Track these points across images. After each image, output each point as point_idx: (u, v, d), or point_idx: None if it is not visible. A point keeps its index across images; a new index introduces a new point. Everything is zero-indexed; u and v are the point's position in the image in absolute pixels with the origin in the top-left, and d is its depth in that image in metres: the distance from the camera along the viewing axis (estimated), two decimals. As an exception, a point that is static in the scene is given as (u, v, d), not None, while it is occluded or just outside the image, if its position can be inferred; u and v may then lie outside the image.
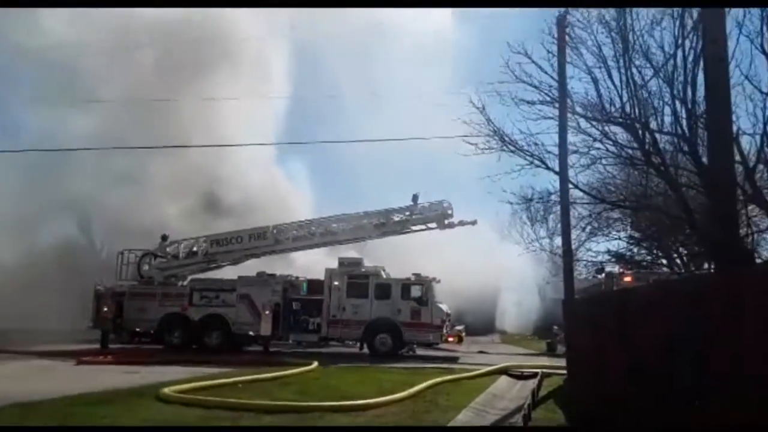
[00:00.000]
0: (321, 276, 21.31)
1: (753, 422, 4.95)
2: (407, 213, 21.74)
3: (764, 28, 8.84)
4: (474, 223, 21.70)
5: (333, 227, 22.22)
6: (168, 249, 22.67)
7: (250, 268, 22.46)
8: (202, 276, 22.52)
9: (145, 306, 21.16)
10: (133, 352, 19.49)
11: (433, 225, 21.70)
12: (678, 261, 21.63)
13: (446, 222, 21.46)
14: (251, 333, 20.73)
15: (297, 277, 22.15)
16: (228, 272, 22.97)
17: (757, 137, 9.67)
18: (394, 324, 20.11)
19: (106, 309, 20.95)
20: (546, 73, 10.92)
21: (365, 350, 20.35)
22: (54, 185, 30.06)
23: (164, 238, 22.75)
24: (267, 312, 20.32)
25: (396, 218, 21.86)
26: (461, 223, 21.53)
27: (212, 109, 30.38)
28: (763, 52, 8.99)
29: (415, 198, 21.51)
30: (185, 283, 22.30)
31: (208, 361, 16.29)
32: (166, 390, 10.07)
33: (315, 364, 15.56)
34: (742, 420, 5.20)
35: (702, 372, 5.92)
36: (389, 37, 46.89)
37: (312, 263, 23.99)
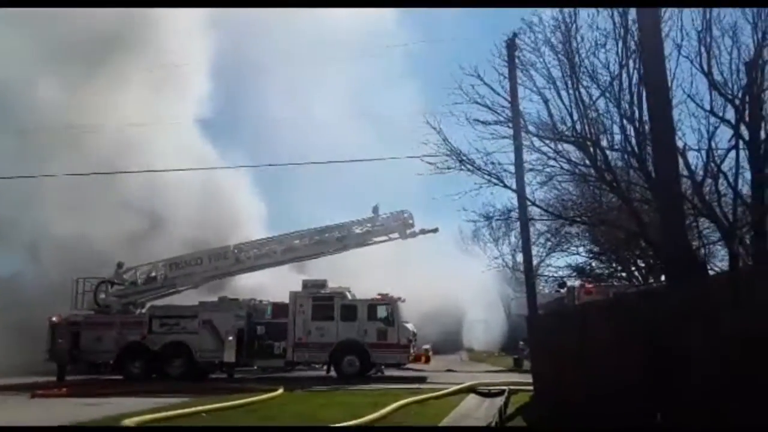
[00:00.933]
0: (285, 299, 21.10)
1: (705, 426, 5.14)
2: (368, 225, 21.82)
3: (702, 48, 9.34)
4: (436, 230, 21.81)
5: (294, 243, 22.07)
6: (125, 276, 22.12)
7: (212, 293, 22.13)
8: (161, 303, 21.99)
9: (102, 336, 20.52)
10: (91, 383, 18.85)
11: (395, 235, 21.80)
12: (636, 273, 22.21)
13: (408, 231, 21.57)
14: (215, 360, 20.31)
15: (261, 301, 21.86)
16: (189, 298, 22.52)
17: (703, 152, 10.15)
18: (361, 345, 19.99)
19: (61, 340, 20.26)
20: (498, 94, 11.26)
21: (332, 373, 20.15)
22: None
23: (120, 265, 22.20)
24: (230, 338, 19.96)
25: (357, 230, 21.89)
26: (423, 232, 21.68)
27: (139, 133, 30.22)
28: (702, 71, 9.47)
29: (375, 209, 21.62)
30: (144, 310, 21.73)
31: (171, 391, 15.86)
32: (127, 422, 9.79)
33: (281, 389, 15.34)
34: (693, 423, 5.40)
35: (656, 379, 6.14)
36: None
37: (278, 286, 23.68)
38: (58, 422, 10.26)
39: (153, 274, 22.22)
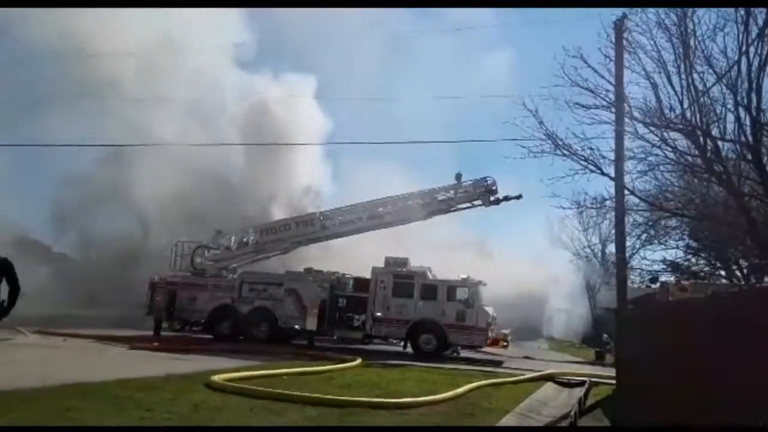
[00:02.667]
0: (368, 275, 21.47)
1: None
2: (452, 191, 21.70)
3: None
4: (519, 197, 21.22)
5: (379, 210, 22.29)
6: (221, 241, 23.35)
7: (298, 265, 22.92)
8: (251, 270, 23.05)
9: (196, 297, 21.88)
10: (183, 340, 20.16)
11: (478, 202, 21.69)
12: (738, 273, 20.71)
13: (491, 198, 21.36)
14: (297, 327, 21.09)
15: (344, 275, 22.37)
16: (277, 267, 23.49)
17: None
18: (439, 325, 20.06)
19: (159, 298, 21.76)
20: (602, 77, 10.69)
21: (409, 349, 20.38)
22: (114, 178, 31.54)
23: (218, 232, 23.48)
24: (313, 308, 20.64)
25: (441, 197, 21.84)
26: (506, 199, 21.38)
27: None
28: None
29: (458, 176, 21.56)
30: (235, 276, 22.89)
31: (255, 352, 16.67)
32: (215, 378, 10.37)
33: (359, 360, 15.70)
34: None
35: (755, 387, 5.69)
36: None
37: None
38: (153, 373, 11.04)
39: (245, 239, 23.31)
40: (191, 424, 7.40)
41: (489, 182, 21.48)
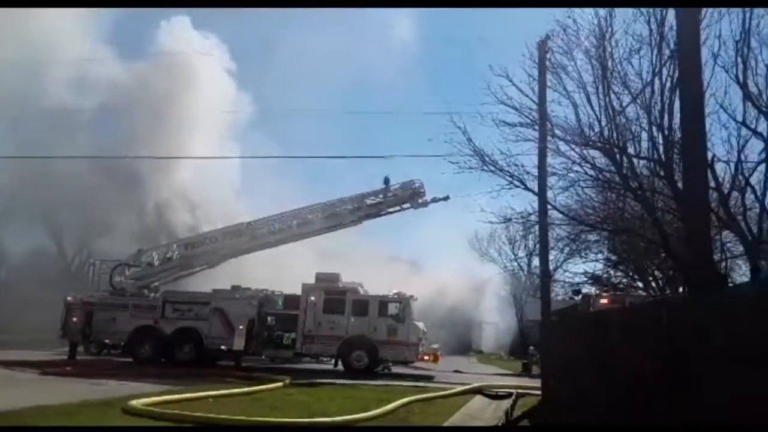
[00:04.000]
0: (298, 291, 21.12)
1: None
2: (380, 195, 21.85)
3: (738, 59, 9.10)
4: (447, 198, 21.45)
5: (308, 217, 22.08)
6: (142, 258, 22.31)
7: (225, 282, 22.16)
8: (174, 289, 22.13)
9: (115, 317, 20.71)
10: (101, 363, 19.03)
11: (407, 205, 21.91)
12: (653, 284, 21.88)
13: (419, 201, 21.64)
14: (224, 347, 20.39)
15: (273, 292, 21.90)
16: (202, 286, 22.65)
17: (732, 164, 9.90)
18: (370, 341, 19.94)
19: (75, 319, 20.50)
20: (526, 96, 11.09)
21: (340, 367, 20.13)
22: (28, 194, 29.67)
23: (139, 251, 22.47)
24: (241, 326, 20.03)
25: (370, 201, 21.95)
26: (434, 200, 21.69)
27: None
28: (737, 82, 9.23)
29: (386, 180, 21.68)
30: (157, 295, 21.90)
31: (179, 376, 15.94)
32: (134, 402, 9.82)
33: (288, 380, 15.35)
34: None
35: (672, 390, 5.97)
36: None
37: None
38: (68, 400, 10.32)
39: (169, 254, 22.37)
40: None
41: (416, 185, 21.76)
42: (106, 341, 21.15)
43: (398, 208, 22.19)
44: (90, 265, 22.30)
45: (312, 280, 21.07)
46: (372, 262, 30.48)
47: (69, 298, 21.25)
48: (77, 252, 31.23)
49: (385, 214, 22.49)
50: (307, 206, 22.61)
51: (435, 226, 39.91)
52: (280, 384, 14.73)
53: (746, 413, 4.62)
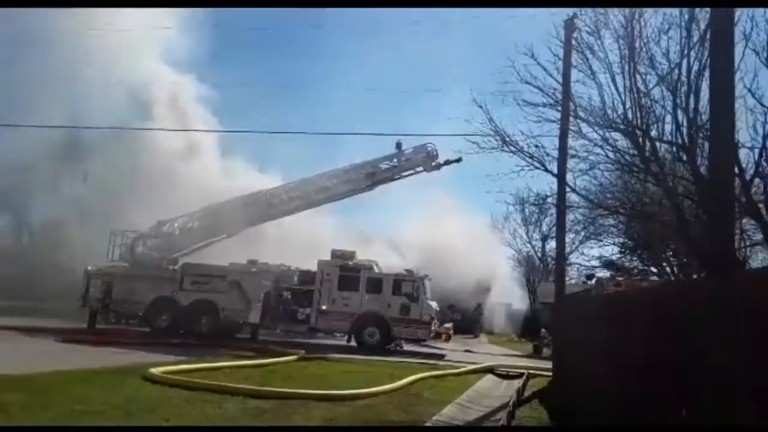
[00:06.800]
0: (314, 267, 21.29)
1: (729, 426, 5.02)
2: (394, 160, 21.95)
3: (770, 42, 8.87)
4: (459, 160, 20.64)
5: (325, 183, 22.19)
6: (163, 229, 22.54)
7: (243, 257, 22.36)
8: (193, 261, 22.43)
9: (134, 288, 21.10)
10: (120, 333, 19.44)
11: (420, 168, 22.05)
12: (668, 270, 21.70)
13: (433, 164, 21.77)
14: (240, 320, 20.71)
15: (289, 267, 22.11)
16: (220, 260, 22.86)
17: (756, 151, 9.72)
18: (383, 318, 20.15)
19: (94, 289, 20.89)
20: (551, 76, 10.93)
21: (353, 343, 20.37)
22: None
23: (159, 222, 22.67)
24: (257, 300, 20.31)
25: (384, 166, 22.05)
26: (447, 163, 21.69)
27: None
28: (768, 66, 9.01)
29: (398, 145, 21.80)
30: (177, 267, 22.21)
31: (196, 346, 16.27)
32: (153, 370, 10.05)
33: (302, 353, 15.58)
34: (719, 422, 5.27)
35: (683, 376, 6.00)
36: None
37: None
38: (89, 367, 10.60)
39: (189, 225, 22.59)
40: (126, 415, 7.13)
41: (429, 148, 21.83)
42: (126, 311, 21.54)
43: (412, 171, 22.31)
44: (110, 236, 22.46)
45: (328, 257, 21.26)
46: (390, 243, 30.58)
47: (90, 268, 21.63)
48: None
49: (399, 178, 22.60)
50: (323, 173, 22.70)
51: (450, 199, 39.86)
52: (294, 357, 14.97)
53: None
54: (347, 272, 20.81)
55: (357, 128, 62.75)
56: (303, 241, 26.16)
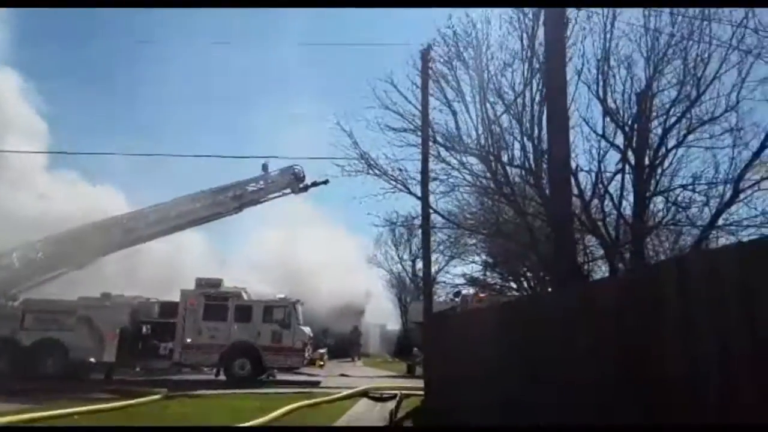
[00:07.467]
0: (176, 298, 20.12)
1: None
2: (261, 182, 21.53)
3: (599, 76, 9.97)
4: (326, 182, 20.91)
5: (189, 207, 21.16)
6: None
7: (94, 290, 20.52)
8: (37, 297, 20.17)
9: None
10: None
11: (288, 190, 21.78)
12: (526, 285, 23.29)
13: (300, 185, 21.62)
14: (93, 359, 18.92)
15: (148, 299, 20.71)
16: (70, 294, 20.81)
17: (593, 174, 10.80)
18: (254, 348, 19.45)
19: None
20: (410, 102, 11.44)
21: (222, 377, 19.43)
22: None
23: None
24: (111, 337, 18.72)
25: (251, 188, 21.54)
26: (314, 184, 21.60)
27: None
28: (598, 97, 10.10)
29: (265, 167, 21.41)
30: (17, 303, 19.87)
31: (42, 391, 14.58)
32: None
33: (164, 392, 14.58)
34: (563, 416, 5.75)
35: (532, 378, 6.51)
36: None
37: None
38: None
39: (31, 256, 20.29)
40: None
41: (296, 170, 21.62)
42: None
43: (279, 193, 21.97)
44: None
45: (191, 286, 20.23)
46: (255, 270, 29.76)
47: None
48: None
49: (266, 200, 22.17)
50: (185, 195, 21.58)
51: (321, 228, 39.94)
52: (155, 397, 13.95)
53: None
54: (214, 301, 19.90)
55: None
56: (161, 272, 24.68)
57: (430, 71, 11.53)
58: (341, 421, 11.32)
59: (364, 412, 13.37)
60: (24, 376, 17.87)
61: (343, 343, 36.84)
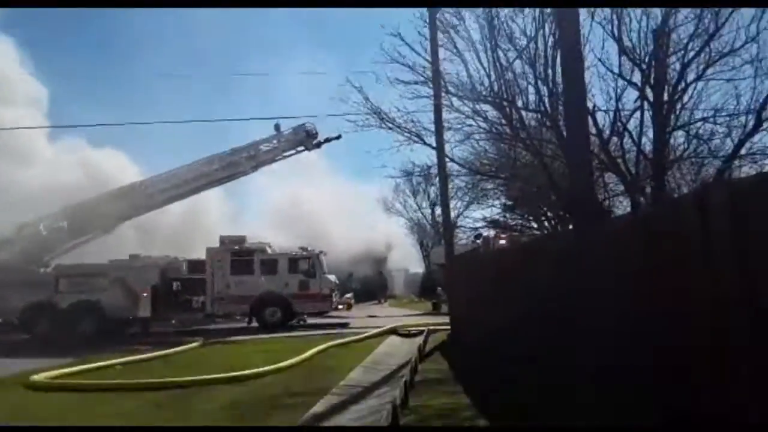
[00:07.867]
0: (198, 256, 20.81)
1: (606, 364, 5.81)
2: (274, 141, 21.80)
3: (614, 15, 9.78)
4: (339, 137, 21.33)
5: (205, 169, 21.54)
6: (23, 232, 20.66)
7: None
8: (68, 262, 20.87)
9: (3, 295, 19.29)
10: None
11: (302, 148, 22.06)
12: (546, 224, 23.38)
13: (314, 142, 21.88)
14: (129, 316, 19.77)
15: (175, 258, 21.38)
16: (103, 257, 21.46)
17: (611, 113, 10.74)
18: (282, 297, 20.14)
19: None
20: (419, 54, 11.34)
21: (255, 324, 20.22)
22: None
23: (21, 225, 20.75)
24: (144, 294, 19.48)
25: (265, 148, 21.83)
26: (327, 140, 21.88)
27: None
28: (613, 37, 9.94)
29: (277, 127, 21.68)
30: (49, 269, 20.61)
31: (83, 347, 15.35)
32: (36, 377, 9.47)
33: (201, 340, 15.26)
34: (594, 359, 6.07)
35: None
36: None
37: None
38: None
39: (57, 225, 20.93)
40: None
41: (308, 127, 21.79)
42: (-1, 320, 19.80)
43: (293, 151, 22.19)
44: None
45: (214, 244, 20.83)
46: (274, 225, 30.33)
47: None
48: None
49: (281, 159, 22.41)
50: (202, 158, 21.87)
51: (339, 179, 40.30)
52: (192, 345, 14.60)
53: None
54: (239, 257, 20.53)
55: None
56: (180, 233, 25.21)
57: (439, 23, 11.36)
58: (371, 357, 11.64)
59: (393, 347, 13.71)
60: (64, 337, 18.77)
61: (370, 286, 37.85)
